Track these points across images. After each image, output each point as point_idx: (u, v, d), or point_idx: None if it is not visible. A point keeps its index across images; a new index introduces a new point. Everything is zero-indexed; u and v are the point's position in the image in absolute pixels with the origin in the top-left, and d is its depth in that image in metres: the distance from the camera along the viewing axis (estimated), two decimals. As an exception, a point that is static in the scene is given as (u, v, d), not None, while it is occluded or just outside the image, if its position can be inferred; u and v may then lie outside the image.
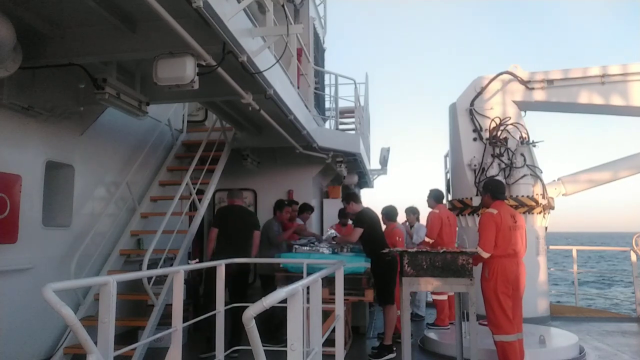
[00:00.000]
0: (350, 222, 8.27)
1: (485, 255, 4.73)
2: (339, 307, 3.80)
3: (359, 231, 5.81)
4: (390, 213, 6.77)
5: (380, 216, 6.49)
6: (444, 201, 7.74)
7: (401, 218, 8.22)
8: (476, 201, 7.69)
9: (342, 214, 8.61)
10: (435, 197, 7.02)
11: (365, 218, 5.93)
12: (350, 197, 6.40)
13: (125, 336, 5.64)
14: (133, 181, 6.96)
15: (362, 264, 5.93)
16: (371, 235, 5.85)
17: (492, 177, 7.30)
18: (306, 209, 7.74)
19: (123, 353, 2.75)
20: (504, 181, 7.42)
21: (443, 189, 8.45)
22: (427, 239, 6.75)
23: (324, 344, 3.10)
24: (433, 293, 6.98)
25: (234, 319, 5.36)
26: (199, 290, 7.42)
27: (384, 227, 6.53)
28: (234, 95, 5.19)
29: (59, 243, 5.65)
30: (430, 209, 7.04)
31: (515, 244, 4.81)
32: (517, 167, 7.62)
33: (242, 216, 6.15)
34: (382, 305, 5.87)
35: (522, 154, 7.68)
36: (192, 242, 6.88)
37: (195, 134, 8.70)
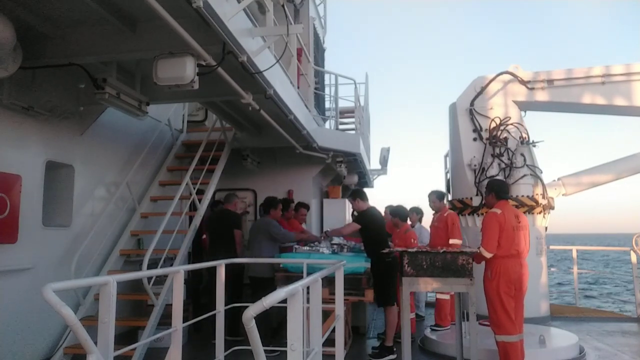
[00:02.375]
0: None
1: (488, 255, 4.72)
2: (339, 307, 3.80)
3: (353, 225, 5.80)
4: (402, 213, 6.45)
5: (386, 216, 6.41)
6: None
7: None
8: (476, 201, 7.69)
9: None
10: (443, 198, 6.80)
11: (366, 217, 5.88)
12: (357, 193, 6.21)
13: (125, 336, 5.65)
14: (133, 181, 6.96)
15: (362, 264, 5.93)
16: (372, 236, 5.82)
17: (494, 178, 7.24)
18: (302, 206, 7.71)
19: (123, 353, 2.75)
20: (503, 181, 7.44)
21: (443, 189, 8.44)
22: (456, 241, 6.23)
23: (324, 344, 3.10)
24: (438, 292, 6.70)
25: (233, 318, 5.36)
26: (199, 290, 7.42)
27: (396, 228, 6.44)
28: (234, 95, 5.19)
29: (59, 243, 5.64)
30: (435, 210, 6.80)
31: (518, 244, 4.79)
32: (517, 167, 7.62)
33: (222, 220, 6.66)
34: (381, 307, 5.84)
35: (522, 154, 7.68)
36: (192, 242, 6.89)
37: (195, 134, 8.70)
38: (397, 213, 6.40)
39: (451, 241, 6.28)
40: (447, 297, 6.69)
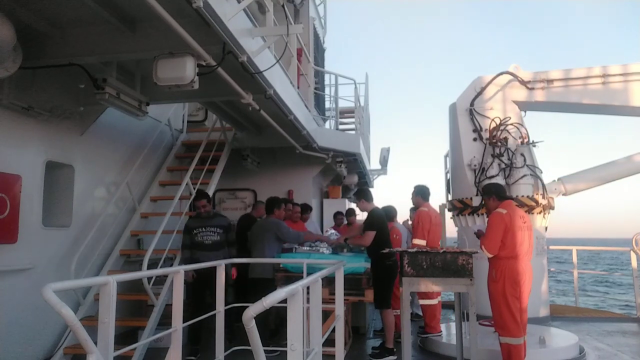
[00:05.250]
0: (345, 222, 8.27)
1: (489, 255, 4.71)
2: (339, 307, 3.80)
3: (371, 234, 5.63)
4: (388, 213, 6.54)
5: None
6: (443, 201, 7.68)
7: (402, 218, 8.22)
8: (476, 201, 7.68)
9: (339, 215, 8.58)
10: (422, 194, 6.51)
11: (376, 220, 5.77)
12: (361, 194, 6.03)
13: (125, 336, 5.64)
14: (133, 181, 6.96)
15: (362, 264, 5.91)
16: (376, 237, 5.75)
17: (488, 183, 7.05)
18: (306, 209, 7.73)
19: (123, 353, 2.75)
20: (503, 181, 7.43)
21: (443, 189, 8.41)
22: (418, 241, 6.12)
23: (324, 344, 3.10)
24: (421, 299, 6.43)
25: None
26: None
27: None
28: (234, 95, 5.19)
29: (59, 243, 5.64)
30: (414, 205, 6.65)
31: (522, 245, 4.76)
32: (517, 167, 7.61)
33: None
34: (378, 309, 5.81)
35: (522, 154, 7.67)
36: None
37: (195, 134, 8.71)
38: (385, 212, 6.42)
39: (414, 241, 6.13)
40: (434, 302, 6.42)
